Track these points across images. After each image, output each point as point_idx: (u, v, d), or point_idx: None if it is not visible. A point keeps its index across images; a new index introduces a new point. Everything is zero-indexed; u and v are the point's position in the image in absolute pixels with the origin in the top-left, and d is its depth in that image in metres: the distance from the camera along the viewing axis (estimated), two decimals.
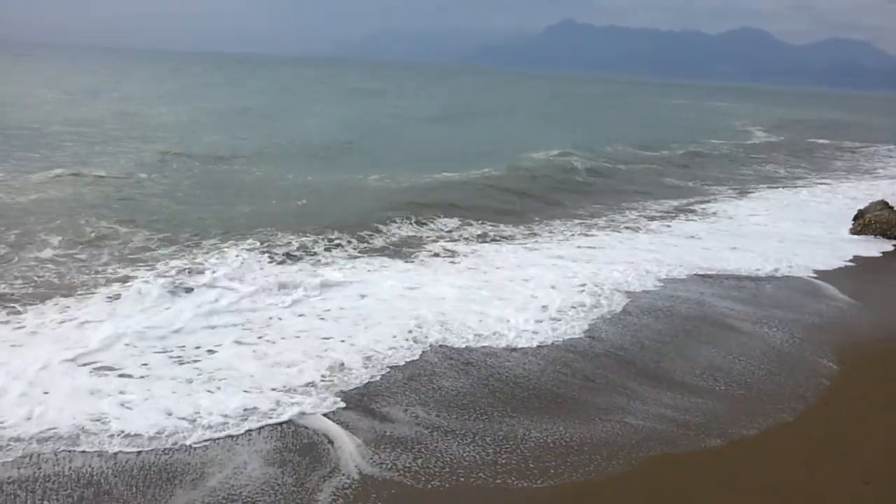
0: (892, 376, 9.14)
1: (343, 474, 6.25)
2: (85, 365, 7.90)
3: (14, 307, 9.38)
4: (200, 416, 7.03)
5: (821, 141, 44.64)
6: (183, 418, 6.99)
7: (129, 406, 7.14)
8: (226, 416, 7.08)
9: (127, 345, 8.47)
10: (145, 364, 8.05)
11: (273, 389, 7.67)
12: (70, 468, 6.11)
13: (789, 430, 7.42)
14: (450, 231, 15.56)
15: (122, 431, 6.67)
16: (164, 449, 6.49)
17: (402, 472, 6.32)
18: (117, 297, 9.96)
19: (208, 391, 7.56)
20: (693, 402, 7.93)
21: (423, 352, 8.90)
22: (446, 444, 6.81)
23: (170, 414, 7.04)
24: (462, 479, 6.26)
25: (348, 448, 6.65)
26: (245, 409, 7.21)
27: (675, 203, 21.13)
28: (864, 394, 8.48)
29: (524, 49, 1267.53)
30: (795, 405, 7.96)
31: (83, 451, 6.35)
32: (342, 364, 8.35)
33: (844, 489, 6.40)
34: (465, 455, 6.63)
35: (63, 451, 6.32)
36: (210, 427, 6.88)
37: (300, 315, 9.89)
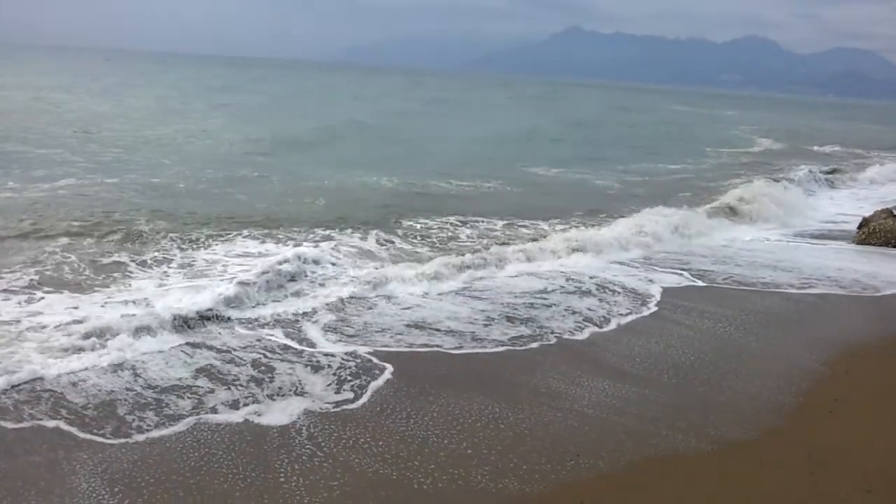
0: (895, 383, 9.01)
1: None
2: None
3: None
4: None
5: (825, 149, 44.60)
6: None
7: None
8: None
9: None
10: None
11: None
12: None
13: (789, 436, 7.30)
14: None
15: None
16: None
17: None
18: None
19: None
20: (687, 405, 7.85)
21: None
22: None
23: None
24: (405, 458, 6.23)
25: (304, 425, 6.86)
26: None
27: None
28: (867, 400, 8.37)
29: (529, 55, 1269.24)
30: (794, 412, 7.86)
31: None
32: None
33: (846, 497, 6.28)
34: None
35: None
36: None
37: None
